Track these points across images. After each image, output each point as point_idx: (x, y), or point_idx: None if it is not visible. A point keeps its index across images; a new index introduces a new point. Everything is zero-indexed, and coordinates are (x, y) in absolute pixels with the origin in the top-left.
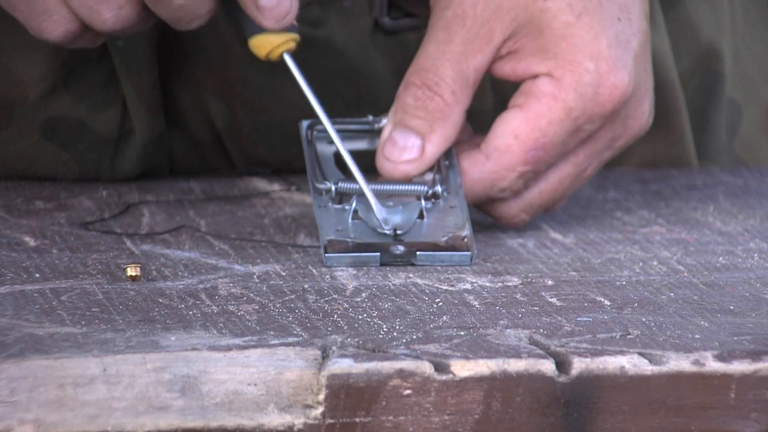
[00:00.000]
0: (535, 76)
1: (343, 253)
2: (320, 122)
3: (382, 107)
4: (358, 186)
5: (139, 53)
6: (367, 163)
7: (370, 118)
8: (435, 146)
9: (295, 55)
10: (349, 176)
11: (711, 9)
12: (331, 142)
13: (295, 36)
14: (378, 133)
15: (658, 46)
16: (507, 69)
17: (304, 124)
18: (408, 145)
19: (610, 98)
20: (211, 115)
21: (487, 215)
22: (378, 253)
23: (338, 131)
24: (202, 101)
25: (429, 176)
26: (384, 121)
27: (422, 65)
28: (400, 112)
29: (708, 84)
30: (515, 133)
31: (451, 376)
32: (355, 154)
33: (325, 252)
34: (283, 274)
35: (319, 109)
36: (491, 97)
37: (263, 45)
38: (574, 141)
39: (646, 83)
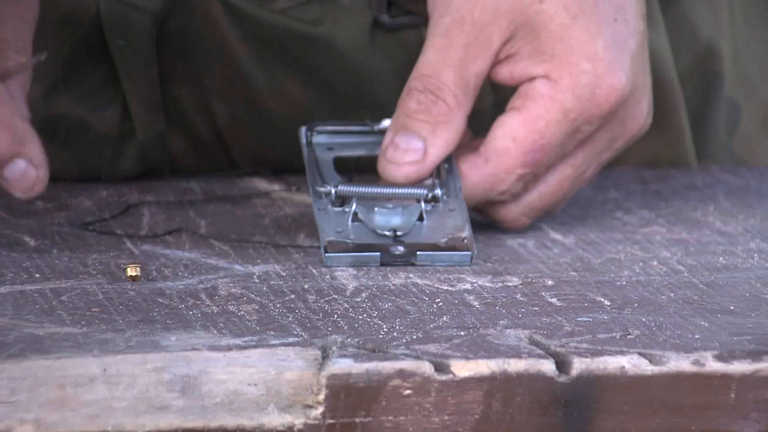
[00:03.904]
0: (532, 79)
1: (343, 252)
2: (319, 124)
3: (381, 105)
4: (357, 189)
5: (139, 53)
6: (368, 164)
7: (368, 122)
8: (437, 149)
9: (294, 52)
10: (348, 180)
11: (710, 8)
12: (330, 148)
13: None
14: (378, 134)
15: (657, 46)
16: (504, 73)
17: (303, 129)
18: (411, 147)
19: (607, 99)
20: (212, 114)
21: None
22: (378, 253)
23: (336, 133)
24: (203, 100)
25: (428, 180)
26: (384, 123)
27: (423, 71)
28: (403, 117)
29: (707, 83)
30: (513, 135)
31: (451, 376)
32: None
33: (325, 252)
34: (283, 274)
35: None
36: (490, 97)
37: None
38: (572, 142)
39: (644, 83)
